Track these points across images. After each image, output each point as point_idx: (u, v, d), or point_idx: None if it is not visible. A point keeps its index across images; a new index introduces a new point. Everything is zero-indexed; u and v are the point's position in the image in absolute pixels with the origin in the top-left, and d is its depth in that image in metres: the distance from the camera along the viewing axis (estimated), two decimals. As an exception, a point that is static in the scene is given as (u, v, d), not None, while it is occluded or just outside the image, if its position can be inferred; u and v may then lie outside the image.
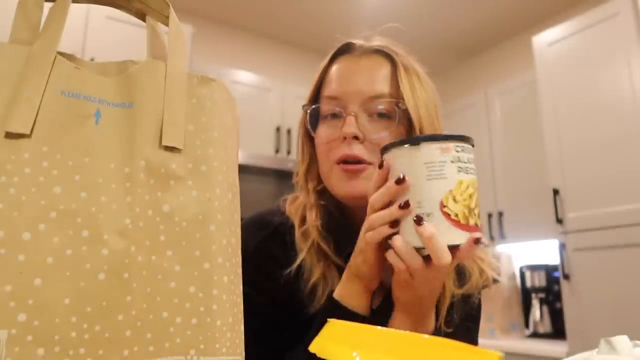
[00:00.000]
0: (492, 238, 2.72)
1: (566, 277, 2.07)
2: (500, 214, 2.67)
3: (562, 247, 2.11)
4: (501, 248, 2.77)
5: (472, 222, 0.48)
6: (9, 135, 0.34)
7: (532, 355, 2.13)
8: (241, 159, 2.37)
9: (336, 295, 0.59)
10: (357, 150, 0.62)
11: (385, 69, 0.66)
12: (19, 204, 0.33)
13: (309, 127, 0.69)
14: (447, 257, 0.48)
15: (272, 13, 2.95)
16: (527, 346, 2.17)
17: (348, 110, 0.64)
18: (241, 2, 2.84)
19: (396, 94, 0.65)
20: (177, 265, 0.38)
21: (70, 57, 0.39)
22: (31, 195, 0.34)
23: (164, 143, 0.39)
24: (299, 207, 0.71)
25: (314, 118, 0.69)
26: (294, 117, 2.72)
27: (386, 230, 0.51)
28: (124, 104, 0.39)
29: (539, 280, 2.50)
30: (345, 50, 0.70)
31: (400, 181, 0.50)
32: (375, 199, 0.52)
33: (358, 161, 0.63)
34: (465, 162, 0.49)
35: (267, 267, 0.67)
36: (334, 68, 0.69)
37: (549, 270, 2.50)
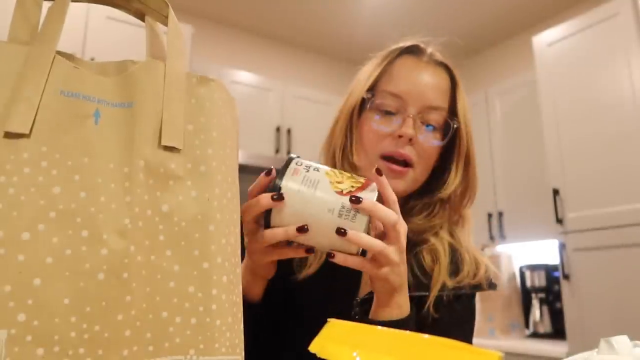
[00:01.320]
0: (492, 238, 2.72)
1: (566, 277, 2.07)
2: (500, 214, 2.67)
3: (562, 247, 2.11)
4: (501, 248, 2.77)
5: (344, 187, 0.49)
6: (8, 135, 0.34)
7: (532, 355, 2.13)
8: (241, 159, 2.37)
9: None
10: (408, 151, 0.67)
11: (446, 84, 0.72)
12: (18, 203, 0.33)
13: (358, 114, 0.71)
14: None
15: (272, 13, 2.95)
16: (527, 346, 2.17)
17: (408, 111, 0.68)
18: (241, 2, 2.84)
19: (450, 110, 0.71)
20: (176, 265, 0.38)
21: (69, 57, 0.39)
22: (30, 195, 0.34)
23: (163, 143, 0.39)
24: None
25: (366, 107, 0.71)
26: (294, 117, 2.72)
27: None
28: (123, 103, 0.39)
29: (539, 280, 2.50)
30: (412, 51, 0.73)
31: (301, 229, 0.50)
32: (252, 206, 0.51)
33: (404, 161, 0.67)
34: (307, 172, 0.50)
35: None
36: (399, 66, 0.72)
37: (549, 270, 2.50)
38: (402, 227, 0.52)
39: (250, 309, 0.60)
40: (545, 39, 2.29)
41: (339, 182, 0.50)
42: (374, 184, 0.51)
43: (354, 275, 0.68)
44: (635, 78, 1.93)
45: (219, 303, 0.39)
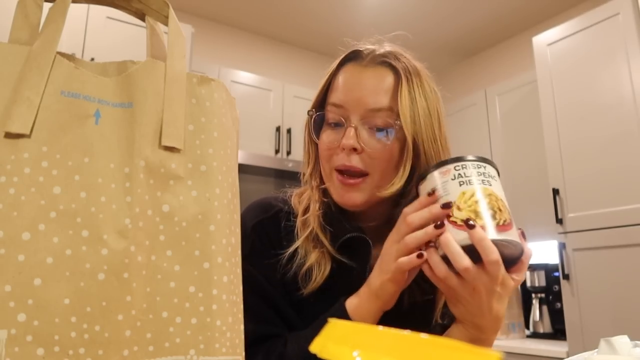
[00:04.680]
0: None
1: (566, 277, 2.07)
2: (500, 214, 2.66)
3: (562, 247, 2.10)
4: (501, 248, 2.76)
5: (480, 222, 0.52)
6: (9, 135, 0.34)
7: (532, 355, 2.13)
8: (241, 159, 2.37)
9: (350, 310, 0.61)
10: (355, 161, 0.66)
11: (388, 81, 0.68)
12: (19, 204, 0.33)
13: (312, 131, 0.72)
14: (494, 254, 0.51)
15: (272, 13, 2.95)
16: (527, 346, 2.17)
17: (350, 121, 0.67)
18: (241, 2, 2.84)
19: (396, 108, 0.67)
20: (176, 265, 0.38)
21: (70, 57, 0.39)
22: (31, 195, 0.34)
23: (164, 143, 0.39)
24: (304, 200, 0.75)
25: (318, 122, 0.72)
26: (294, 117, 2.72)
27: (418, 260, 0.55)
28: (124, 104, 0.39)
29: (539, 280, 2.50)
30: (353, 57, 0.72)
31: (432, 195, 0.56)
32: (414, 217, 0.56)
33: (356, 172, 0.66)
34: (467, 176, 0.55)
35: (261, 246, 0.71)
36: (341, 75, 0.71)
37: (549, 270, 2.49)
38: (501, 274, 0.53)
39: None
40: (545, 39, 2.29)
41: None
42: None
43: (358, 285, 0.67)
44: (635, 78, 1.93)
45: (219, 303, 0.39)
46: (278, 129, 2.67)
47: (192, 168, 0.40)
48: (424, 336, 0.28)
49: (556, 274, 2.41)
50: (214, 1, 2.83)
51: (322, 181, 0.73)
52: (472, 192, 0.54)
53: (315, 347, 0.32)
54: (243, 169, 2.36)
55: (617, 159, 1.96)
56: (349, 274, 0.67)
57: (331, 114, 0.69)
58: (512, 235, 0.53)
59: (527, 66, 2.92)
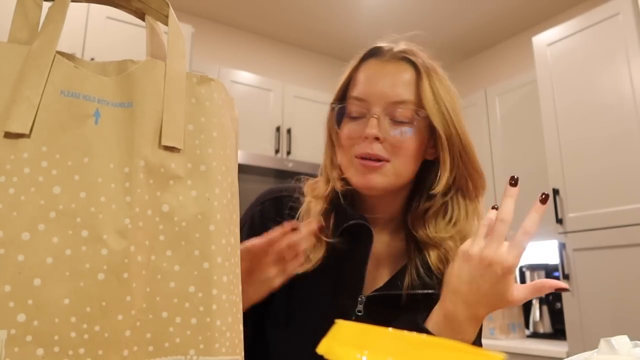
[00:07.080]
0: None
1: (566, 277, 2.07)
2: (500, 214, 2.66)
3: (562, 247, 2.10)
4: (501, 248, 2.76)
5: None
6: (8, 135, 0.34)
7: (532, 355, 2.13)
8: (241, 159, 2.37)
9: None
10: (377, 149, 0.68)
11: (409, 76, 0.72)
12: (18, 204, 0.33)
13: (335, 123, 0.75)
14: None
15: (272, 13, 2.95)
16: (527, 346, 2.17)
17: (372, 112, 0.70)
18: (241, 2, 2.84)
19: (418, 101, 0.70)
20: (176, 265, 0.38)
21: (69, 57, 0.39)
22: (30, 195, 0.34)
23: (164, 143, 0.39)
24: (316, 189, 0.76)
25: (340, 115, 0.75)
26: (294, 117, 2.72)
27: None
28: (124, 103, 0.39)
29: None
30: (374, 53, 0.75)
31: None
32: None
33: (377, 159, 0.69)
34: None
35: (262, 226, 0.72)
36: (362, 70, 0.74)
37: (549, 270, 2.49)
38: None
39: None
40: (545, 39, 2.29)
41: None
42: None
43: (358, 272, 0.70)
44: (635, 78, 1.93)
45: (219, 303, 0.39)
46: (278, 129, 2.67)
47: (191, 168, 0.40)
48: (431, 338, 0.28)
49: (556, 274, 2.41)
50: (214, 1, 2.83)
51: (340, 172, 0.74)
52: None
53: (322, 348, 0.32)
54: (243, 169, 2.36)
55: (617, 158, 1.96)
56: (344, 258, 0.69)
57: (353, 107, 0.72)
58: None
59: (527, 66, 2.92)
